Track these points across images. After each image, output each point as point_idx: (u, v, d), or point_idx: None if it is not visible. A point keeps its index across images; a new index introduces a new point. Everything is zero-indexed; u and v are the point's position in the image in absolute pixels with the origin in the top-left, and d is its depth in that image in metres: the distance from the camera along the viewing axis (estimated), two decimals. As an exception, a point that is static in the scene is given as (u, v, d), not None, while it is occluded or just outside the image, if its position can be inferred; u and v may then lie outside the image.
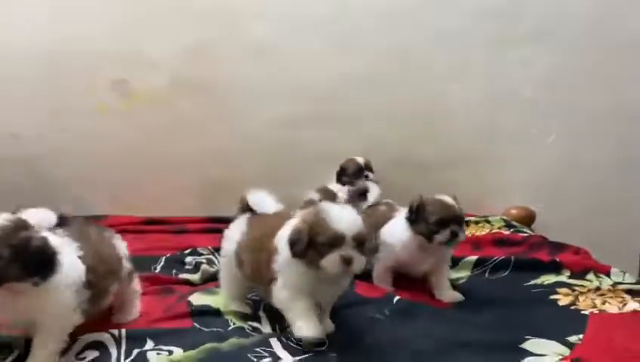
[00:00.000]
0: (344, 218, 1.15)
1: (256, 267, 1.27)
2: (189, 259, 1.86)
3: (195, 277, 1.71)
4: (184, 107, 2.33)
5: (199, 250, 1.95)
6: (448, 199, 1.47)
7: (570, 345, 1.18)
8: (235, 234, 1.37)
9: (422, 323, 1.31)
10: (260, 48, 2.31)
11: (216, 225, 2.22)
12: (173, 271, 1.77)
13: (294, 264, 1.18)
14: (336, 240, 1.13)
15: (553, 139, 2.39)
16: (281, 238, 1.20)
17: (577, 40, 2.34)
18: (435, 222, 1.43)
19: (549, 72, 2.35)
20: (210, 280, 1.68)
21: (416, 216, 1.47)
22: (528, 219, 2.29)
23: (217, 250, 1.91)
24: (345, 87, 2.34)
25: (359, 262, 1.14)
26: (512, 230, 2.07)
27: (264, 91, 2.34)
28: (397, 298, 1.44)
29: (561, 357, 1.14)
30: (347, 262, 1.12)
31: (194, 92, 2.33)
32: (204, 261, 1.84)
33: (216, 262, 1.85)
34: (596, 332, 1.23)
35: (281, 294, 1.20)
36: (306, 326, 1.16)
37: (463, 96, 2.35)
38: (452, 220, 1.43)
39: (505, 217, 2.25)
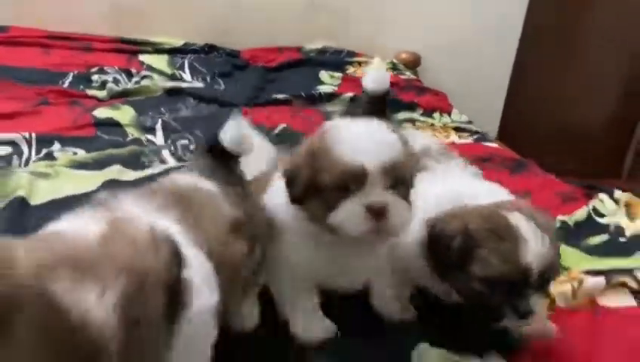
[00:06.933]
0: (364, 139, 0.71)
1: None
2: (95, 77, 1.99)
3: (102, 93, 1.87)
4: None
5: (106, 68, 2.05)
6: None
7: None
8: None
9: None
10: None
11: (125, 45, 2.33)
12: (81, 86, 1.91)
13: (293, 218, 0.78)
14: (351, 180, 0.70)
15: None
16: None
17: None
18: None
19: None
20: (116, 97, 1.87)
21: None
22: (414, 63, 2.56)
23: (124, 70, 2.08)
24: None
25: (400, 213, 0.70)
26: (395, 72, 2.35)
27: None
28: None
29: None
30: (377, 213, 0.69)
31: None
32: (110, 80, 2.00)
33: (121, 80, 2.02)
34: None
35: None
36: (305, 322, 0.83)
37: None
38: None
39: (395, 60, 2.51)
